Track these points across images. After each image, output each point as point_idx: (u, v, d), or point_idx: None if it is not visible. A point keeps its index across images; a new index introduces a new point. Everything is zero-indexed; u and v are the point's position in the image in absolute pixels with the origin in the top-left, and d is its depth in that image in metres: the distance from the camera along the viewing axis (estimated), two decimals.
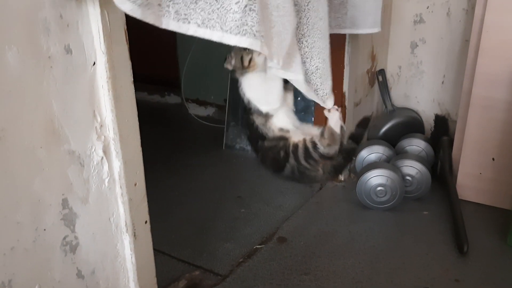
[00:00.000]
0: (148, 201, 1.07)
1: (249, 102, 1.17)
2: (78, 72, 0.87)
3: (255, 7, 0.85)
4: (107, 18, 0.87)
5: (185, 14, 0.82)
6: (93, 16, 0.86)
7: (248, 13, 0.84)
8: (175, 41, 2.90)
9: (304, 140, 1.17)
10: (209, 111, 2.91)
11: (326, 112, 1.21)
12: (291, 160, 1.17)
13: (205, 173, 2.18)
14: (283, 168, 1.20)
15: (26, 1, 0.76)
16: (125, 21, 0.91)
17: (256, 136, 1.20)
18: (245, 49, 1.08)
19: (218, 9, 0.84)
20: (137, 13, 0.75)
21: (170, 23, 0.81)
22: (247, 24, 0.85)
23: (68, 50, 0.84)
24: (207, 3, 0.82)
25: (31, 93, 0.80)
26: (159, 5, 0.78)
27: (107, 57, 0.89)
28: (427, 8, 2.06)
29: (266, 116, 1.17)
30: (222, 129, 2.49)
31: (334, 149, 1.17)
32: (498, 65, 1.68)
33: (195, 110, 2.93)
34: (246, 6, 0.84)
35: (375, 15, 1.59)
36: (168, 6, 0.80)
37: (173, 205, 1.90)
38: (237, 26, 0.84)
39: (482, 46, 1.70)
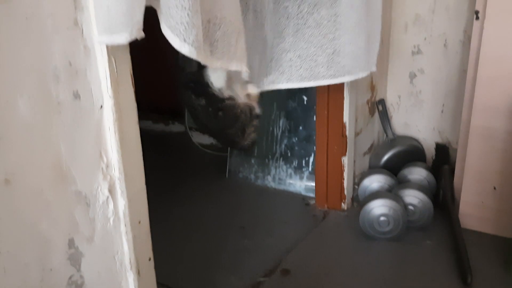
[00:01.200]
0: (151, 233, 1.09)
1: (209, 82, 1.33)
2: (85, 115, 0.90)
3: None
4: (114, 64, 0.91)
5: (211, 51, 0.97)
6: (101, 63, 0.90)
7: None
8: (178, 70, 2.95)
9: (247, 103, 1.37)
10: (212, 139, 2.93)
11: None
12: (242, 117, 1.38)
13: (208, 203, 2.20)
14: (234, 125, 1.40)
15: (38, 51, 0.80)
16: (131, 66, 0.95)
17: (214, 99, 1.35)
18: None
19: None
20: (194, 54, 0.87)
21: (207, 61, 0.96)
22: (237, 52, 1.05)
23: (76, 96, 0.88)
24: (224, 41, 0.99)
25: (40, 138, 0.83)
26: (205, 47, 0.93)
27: (114, 100, 0.92)
28: (425, 39, 2.11)
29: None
30: (225, 157, 2.52)
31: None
32: (495, 95, 1.71)
33: (198, 138, 2.96)
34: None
35: (371, 57, 1.63)
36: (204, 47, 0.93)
37: (176, 236, 1.91)
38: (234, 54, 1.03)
39: (479, 77, 1.74)
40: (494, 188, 1.78)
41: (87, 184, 0.93)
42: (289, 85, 1.47)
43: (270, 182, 2.31)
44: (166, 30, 0.84)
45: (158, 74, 3.06)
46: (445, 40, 2.08)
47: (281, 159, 2.28)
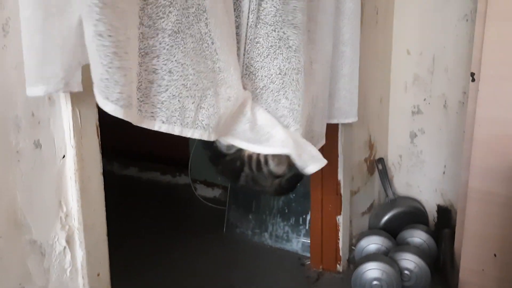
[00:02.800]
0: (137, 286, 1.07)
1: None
2: (46, 164, 0.92)
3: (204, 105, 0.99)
4: (78, 115, 0.93)
5: (152, 113, 0.92)
6: (65, 113, 0.92)
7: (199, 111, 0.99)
8: None
9: (258, 154, 1.22)
10: (216, 192, 2.93)
11: None
12: (246, 169, 1.24)
13: (201, 258, 2.16)
14: (239, 177, 1.27)
15: None
16: (97, 117, 0.98)
17: (216, 153, 1.27)
18: None
19: (180, 108, 0.95)
20: (119, 113, 0.83)
21: (145, 122, 0.92)
22: (198, 119, 0.99)
23: (37, 145, 0.90)
24: (170, 103, 0.94)
25: None
26: (137, 106, 0.89)
27: (76, 150, 0.94)
28: (424, 100, 2.10)
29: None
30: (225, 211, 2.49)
31: (282, 169, 1.24)
32: (492, 158, 1.67)
33: (202, 191, 2.95)
34: (198, 105, 0.98)
35: (355, 105, 1.66)
36: (141, 107, 0.90)
37: None
38: (192, 122, 0.98)
39: (476, 138, 1.70)
40: (495, 255, 1.69)
41: (44, 233, 0.93)
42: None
43: (267, 239, 2.26)
44: (94, 87, 0.83)
45: None
46: (445, 101, 2.06)
47: (279, 215, 2.24)
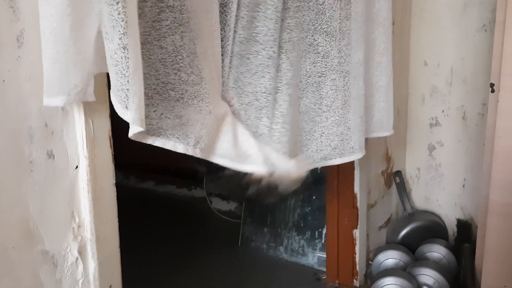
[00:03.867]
0: None
1: None
2: (59, 175, 0.92)
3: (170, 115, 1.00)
4: (91, 126, 0.94)
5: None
6: (78, 124, 0.93)
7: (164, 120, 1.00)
8: None
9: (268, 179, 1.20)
10: (231, 206, 2.91)
11: None
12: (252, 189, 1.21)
13: (215, 272, 2.13)
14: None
15: (12, 111, 0.84)
16: (110, 128, 0.98)
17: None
18: None
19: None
20: (137, 123, 0.85)
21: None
22: (162, 128, 1.00)
23: (50, 155, 0.90)
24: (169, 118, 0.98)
25: (9, 195, 0.85)
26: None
27: (89, 161, 0.94)
28: (442, 111, 2.06)
29: None
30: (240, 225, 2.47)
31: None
32: None
33: (218, 204, 2.94)
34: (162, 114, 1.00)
35: (391, 117, 1.64)
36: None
37: None
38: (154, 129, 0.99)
39: (496, 150, 1.66)
40: None
41: (56, 244, 0.92)
42: (342, 160, 1.44)
43: (282, 253, 2.23)
44: (112, 96, 0.86)
45: None
46: (464, 113, 2.02)
47: (294, 229, 2.22)
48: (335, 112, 1.39)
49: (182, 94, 1.00)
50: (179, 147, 1.02)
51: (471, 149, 2.02)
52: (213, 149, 1.10)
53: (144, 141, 0.95)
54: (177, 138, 1.01)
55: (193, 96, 1.02)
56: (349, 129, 1.43)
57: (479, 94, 1.97)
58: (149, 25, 0.92)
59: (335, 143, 1.41)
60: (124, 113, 0.83)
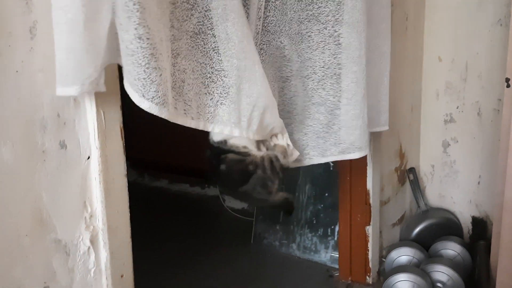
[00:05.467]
0: None
1: (211, 138, 1.24)
2: (71, 165, 0.93)
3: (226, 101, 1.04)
4: (102, 117, 0.95)
5: (185, 110, 0.99)
6: (90, 115, 0.94)
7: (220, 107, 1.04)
8: None
9: (268, 155, 1.23)
10: (244, 204, 2.91)
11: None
12: (259, 171, 1.22)
13: (227, 268, 2.14)
14: (247, 181, 1.24)
15: (25, 102, 0.85)
16: (121, 120, 0.99)
17: (216, 152, 1.23)
18: None
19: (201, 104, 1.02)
20: (154, 110, 0.89)
21: (179, 119, 0.97)
22: (219, 114, 1.04)
23: (63, 146, 0.92)
24: (196, 100, 1.00)
25: (22, 184, 0.86)
26: (173, 104, 0.94)
27: (100, 152, 0.95)
28: (457, 108, 2.04)
29: (224, 141, 1.21)
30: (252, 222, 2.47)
31: (290, 160, 1.30)
32: None
33: (231, 203, 2.95)
34: (218, 101, 1.04)
35: (385, 113, 1.61)
36: (176, 104, 0.95)
37: None
38: (212, 116, 1.04)
39: (511, 146, 1.63)
40: None
41: (68, 233, 0.94)
42: (361, 154, 1.45)
43: (294, 250, 2.23)
44: (127, 86, 0.88)
45: (196, 140, 3.16)
46: (479, 109, 2.00)
47: (306, 226, 2.21)
48: (355, 106, 1.36)
49: (235, 80, 1.04)
50: (235, 131, 1.08)
51: (486, 145, 1.99)
52: (262, 130, 1.16)
53: (205, 129, 1.02)
54: (233, 123, 1.06)
55: (245, 81, 1.05)
56: (366, 123, 1.43)
57: (494, 90, 1.94)
58: (202, 15, 0.96)
59: (354, 137, 1.39)
60: (141, 102, 0.86)
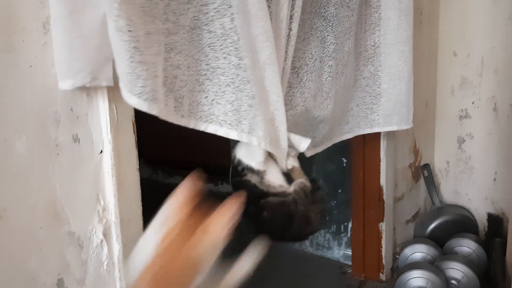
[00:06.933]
0: None
1: (239, 162, 1.15)
2: (84, 159, 0.94)
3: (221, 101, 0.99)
4: (115, 111, 0.96)
5: (175, 107, 0.93)
6: (102, 109, 0.95)
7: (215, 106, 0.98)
8: None
9: (298, 185, 1.14)
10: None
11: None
12: (300, 208, 1.11)
13: None
14: (292, 223, 1.12)
15: (39, 96, 0.87)
16: (133, 114, 1.00)
17: (255, 194, 1.12)
18: None
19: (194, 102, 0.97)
20: (143, 107, 0.84)
21: (169, 116, 0.91)
22: (214, 114, 0.98)
23: (76, 139, 0.93)
24: (189, 98, 0.96)
25: (36, 177, 0.88)
26: (163, 100, 0.89)
27: (113, 145, 0.96)
28: (473, 103, 2.01)
29: (259, 173, 1.13)
30: None
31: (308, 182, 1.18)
32: None
33: None
34: (213, 100, 0.98)
35: (407, 111, 1.58)
36: (166, 101, 0.90)
37: None
38: (206, 116, 0.98)
39: None
40: None
41: (82, 225, 0.95)
42: (350, 135, 1.51)
43: (307, 247, 2.23)
44: (119, 82, 0.84)
45: (209, 137, 3.17)
46: (495, 104, 1.97)
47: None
48: (401, 81, 1.51)
49: (233, 79, 0.98)
50: (231, 134, 1.00)
51: (502, 141, 1.97)
52: (270, 139, 1.06)
53: (197, 128, 0.96)
54: (230, 124, 0.99)
55: (245, 81, 0.99)
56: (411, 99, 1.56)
57: (511, 85, 1.91)
58: (197, 10, 0.92)
59: (399, 110, 1.52)
60: (128, 98, 0.82)
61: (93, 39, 0.85)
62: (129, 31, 0.78)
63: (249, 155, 1.14)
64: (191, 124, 0.95)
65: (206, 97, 0.97)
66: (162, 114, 0.88)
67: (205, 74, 0.96)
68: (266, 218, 1.11)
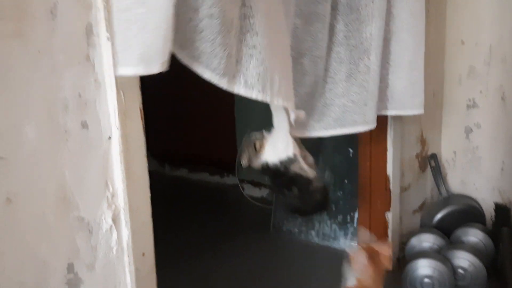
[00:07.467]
0: (182, 283, 1.08)
1: (275, 165, 1.29)
2: (93, 145, 0.95)
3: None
4: (122, 97, 0.96)
5: (251, 83, 1.06)
6: (110, 95, 0.95)
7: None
8: (234, 125, 3.05)
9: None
10: (263, 192, 2.93)
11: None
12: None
13: (247, 255, 2.15)
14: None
15: (48, 83, 0.87)
16: (141, 100, 1.00)
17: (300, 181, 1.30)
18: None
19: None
20: (214, 80, 0.99)
21: (240, 89, 1.05)
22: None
23: (84, 126, 0.93)
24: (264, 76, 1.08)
25: (46, 163, 0.88)
26: (233, 75, 1.02)
27: (121, 132, 0.97)
28: (480, 92, 2.00)
29: (295, 159, 1.28)
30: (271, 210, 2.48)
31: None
32: None
33: (250, 191, 2.96)
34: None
35: (419, 96, 1.61)
36: (239, 76, 1.04)
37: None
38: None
39: None
40: None
41: (91, 211, 0.96)
42: (342, 131, 1.49)
43: (314, 237, 2.23)
44: (187, 59, 0.95)
45: (216, 129, 3.18)
46: (503, 93, 1.95)
47: (326, 213, 2.21)
48: (338, 84, 1.45)
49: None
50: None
51: (510, 131, 1.96)
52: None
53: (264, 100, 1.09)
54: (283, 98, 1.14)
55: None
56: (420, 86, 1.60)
57: None
58: None
59: (336, 115, 1.46)
60: (203, 72, 0.97)
61: (168, 27, 0.89)
62: (218, 18, 0.93)
63: (282, 149, 1.28)
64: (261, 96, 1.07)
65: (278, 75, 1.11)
66: (230, 86, 1.02)
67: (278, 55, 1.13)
68: (296, 194, 1.33)
